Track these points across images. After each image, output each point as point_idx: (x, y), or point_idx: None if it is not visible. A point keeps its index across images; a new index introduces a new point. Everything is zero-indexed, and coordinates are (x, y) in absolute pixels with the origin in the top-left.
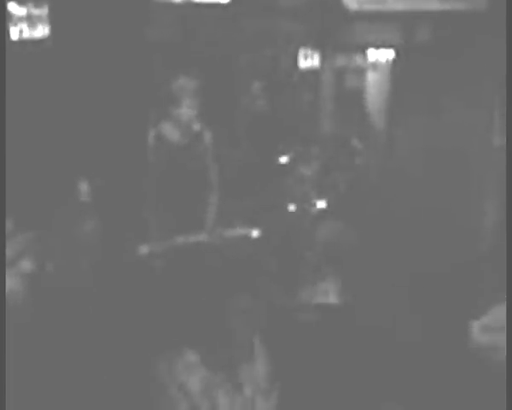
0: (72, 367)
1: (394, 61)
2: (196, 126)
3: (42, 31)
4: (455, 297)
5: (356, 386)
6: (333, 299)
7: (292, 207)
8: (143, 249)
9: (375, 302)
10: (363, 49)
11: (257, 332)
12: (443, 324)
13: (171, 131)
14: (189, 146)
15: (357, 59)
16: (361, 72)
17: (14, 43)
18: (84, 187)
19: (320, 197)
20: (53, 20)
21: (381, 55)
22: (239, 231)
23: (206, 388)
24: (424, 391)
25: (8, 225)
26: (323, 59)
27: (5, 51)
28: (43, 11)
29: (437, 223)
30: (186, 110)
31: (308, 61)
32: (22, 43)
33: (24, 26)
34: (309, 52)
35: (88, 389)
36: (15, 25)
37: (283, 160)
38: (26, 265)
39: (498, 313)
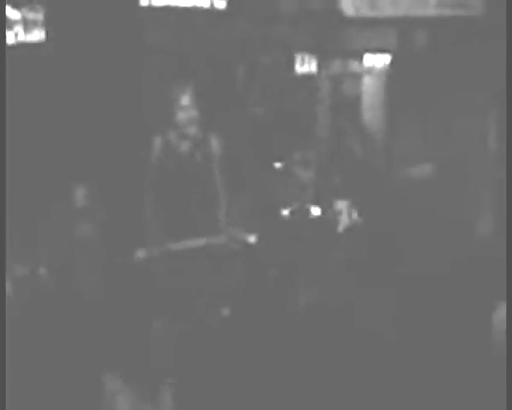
0: (66, 369)
1: (391, 66)
2: (198, 133)
3: (37, 35)
4: (453, 296)
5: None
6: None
7: (288, 212)
8: (141, 254)
9: (376, 304)
10: (359, 55)
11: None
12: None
13: (174, 139)
14: (192, 152)
15: (354, 64)
16: (358, 77)
17: (10, 46)
18: (80, 192)
19: (317, 202)
20: (48, 24)
21: (378, 61)
22: (236, 236)
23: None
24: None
25: None
26: (320, 64)
27: (5, 57)
28: (38, 15)
29: (436, 225)
30: (184, 112)
31: (305, 66)
32: (17, 46)
33: (19, 29)
34: (306, 58)
35: (84, 389)
36: (11, 28)
37: (280, 165)
38: (21, 268)
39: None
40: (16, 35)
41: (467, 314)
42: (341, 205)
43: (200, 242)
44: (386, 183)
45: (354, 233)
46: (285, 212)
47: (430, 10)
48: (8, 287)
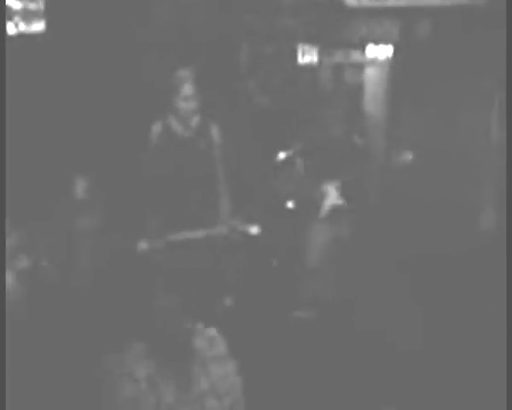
0: (68, 364)
1: (393, 57)
2: (199, 120)
3: (38, 25)
4: (456, 287)
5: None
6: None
7: (290, 205)
8: (143, 245)
9: (376, 299)
10: (362, 45)
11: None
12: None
13: (174, 125)
14: (193, 140)
15: (356, 55)
16: (360, 68)
17: (10, 37)
18: (81, 184)
19: (319, 192)
20: (49, 15)
21: (380, 52)
22: (238, 227)
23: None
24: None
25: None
26: (322, 55)
27: (5, 48)
28: (38, 5)
29: (437, 217)
30: (186, 103)
31: (307, 57)
32: (18, 37)
33: (19, 20)
34: (307, 48)
35: (85, 380)
36: (11, 19)
37: (282, 156)
38: (23, 260)
39: None
40: (17, 25)
41: (465, 310)
42: (327, 187)
43: (202, 233)
44: (385, 171)
45: (338, 216)
46: (289, 204)
47: (433, 0)
48: (11, 279)
